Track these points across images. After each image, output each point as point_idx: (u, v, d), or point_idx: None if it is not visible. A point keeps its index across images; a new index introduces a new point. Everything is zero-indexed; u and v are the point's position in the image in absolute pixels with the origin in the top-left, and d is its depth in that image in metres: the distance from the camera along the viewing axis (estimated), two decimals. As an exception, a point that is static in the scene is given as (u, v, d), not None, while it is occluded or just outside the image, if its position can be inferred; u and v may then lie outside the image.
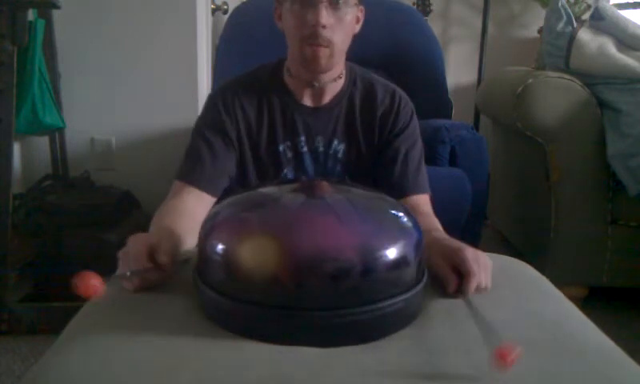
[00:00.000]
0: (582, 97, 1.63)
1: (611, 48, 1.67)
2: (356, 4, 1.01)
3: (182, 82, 1.94)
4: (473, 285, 0.73)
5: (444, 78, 1.82)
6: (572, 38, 1.71)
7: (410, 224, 0.71)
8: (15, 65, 1.51)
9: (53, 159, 1.91)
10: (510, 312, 0.71)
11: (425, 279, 0.71)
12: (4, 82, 1.49)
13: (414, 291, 0.67)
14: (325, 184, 0.71)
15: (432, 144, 1.52)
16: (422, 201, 1.06)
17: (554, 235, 1.69)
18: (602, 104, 1.63)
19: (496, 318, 0.69)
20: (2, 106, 1.49)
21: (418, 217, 0.95)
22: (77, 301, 0.74)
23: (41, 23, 1.71)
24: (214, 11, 2.14)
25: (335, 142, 1.09)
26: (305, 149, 1.09)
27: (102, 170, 1.94)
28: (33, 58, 1.69)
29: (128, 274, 0.70)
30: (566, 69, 1.72)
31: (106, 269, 0.73)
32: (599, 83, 1.65)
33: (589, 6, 2.28)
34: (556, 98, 1.62)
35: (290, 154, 1.08)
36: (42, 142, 1.90)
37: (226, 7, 2.18)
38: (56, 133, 1.89)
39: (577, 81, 1.63)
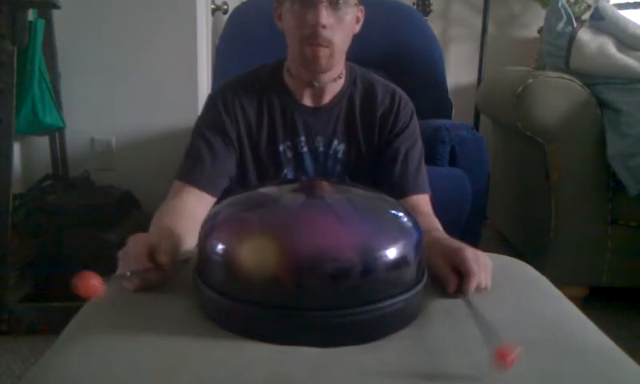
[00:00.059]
0: (582, 97, 1.63)
1: (611, 48, 1.67)
2: (356, 4, 1.01)
3: (181, 82, 1.94)
4: (473, 285, 0.73)
5: (444, 78, 1.82)
6: (572, 38, 1.71)
7: (409, 224, 0.71)
8: (15, 65, 1.51)
9: (53, 159, 1.91)
10: (510, 312, 0.71)
11: (425, 279, 0.71)
12: (4, 81, 1.49)
13: (413, 291, 0.67)
14: (325, 184, 0.71)
15: (432, 144, 1.52)
16: (422, 201, 1.06)
17: (554, 235, 1.69)
18: (602, 104, 1.63)
19: (496, 317, 0.69)
20: (2, 106, 1.49)
21: (417, 217, 0.95)
22: (77, 301, 0.74)
23: (41, 23, 1.71)
24: (214, 11, 2.14)
25: (335, 142, 1.09)
26: (305, 149, 1.09)
27: (102, 169, 1.94)
28: (33, 58, 1.69)
29: (128, 273, 0.70)
30: (566, 69, 1.72)
31: (106, 269, 0.73)
32: (599, 83, 1.65)
33: (589, 6, 2.28)
34: (556, 98, 1.62)
35: (289, 154, 1.08)
36: (42, 142, 1.90)
37: (225, 7, 2.18)
38: (56, 133, 1.89)
39: (577, 81, 1.63)
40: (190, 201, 0.98)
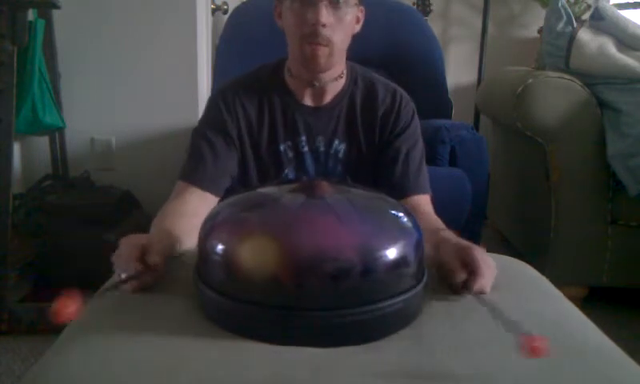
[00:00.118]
0: (582, 97, 1.63)
1: (611, 48, 1.67)
2: (356, 4, 1.01)
3: (181, 82, 1.94)
4: (480, 284, 0.73)
5: (444, 78, 1.82)
6: (572, 37, 1.71)
7: (410, 224, 0.71)
8: (15, 65, 1.51)
9: (53, 159, 1.91)
10: (510, 312, 0.71)
11: (425, 279, 0.71)
12: (4, 81, 1.49)
13: (413, 291, 0.67)
14: (325, 184, 0.71)
15: (432, 144, 1.52)
16: (423, 201, 1.06)
17: (554, 235, 1.69)
18: (602, 104, 1.63)
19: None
20: (2, 106, 1.49)
21: (419, 217, 0.95)
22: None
23: (41, 23, 1.71)
24: (214, 11, 2.14)
25: (336, 142, 1.09)
26: (306, 149, 1.09)
27: (102, 169, 1.95)
28: (33, 58, 1.69)
29: (123, 276, 0.70)
30: (566, 69, 1.72)
31: (106, 269, 0.73)
32: (599, 83, 1.65)
33: (589, 6, 2.28)
34: (556, 98, 1.62)
35: (290, 154, 1.08)
36: (42, 142, 1.90)
37: (225, 7, 2.18)
38: (56, 133, 1.90)
39: (577, 81, 1.63)
40: (193, 201, 0.98)
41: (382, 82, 1.12)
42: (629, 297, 1.76)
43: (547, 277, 0.87)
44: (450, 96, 1.82)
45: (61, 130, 1.89)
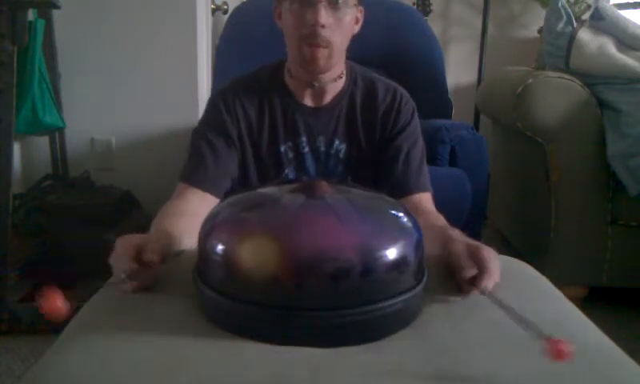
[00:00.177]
0: (582, 97, 1.63)
1: (611, 48, 1.67)
2: (355, 5, 1.01)
3: (182, 82, 1.94)
4: (488, 282, 0.72)
5: (444, 78, 1.82)
6: (572, 38, 1.71)
7: (410, 224, 0.71)
8: (15, 65, 1.51)
9: (53, 159, 1.91)
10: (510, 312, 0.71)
11: (425, 279, 0.71)
12: (4, 81, 1.49)
13: (413, 291, 0.67)
14: (324, 184, 0.71)
15: (432, 144, 1.52)
16: (425, 199, 1.06)
17: (554, 235, 1.69)
18: (602, 104, 1.63)
19: (496, 318, 0.69)
20: (2, 106, 1.49)
21: (422, 215, 0.95)
22: (76, 301, 0.74)
23: (41, 23, 1.71)
24: (214, 11, 2.14)
25: (336, 142, 1.09)
26: (306, 149, 1.09)
27: (102, 169, 1.95)
28: (33, 58, 1.69)
29: (123, 276, 0.70)
30: (566, 69, 1.72)
31: (106, 269, 0.73)
32: (599, 83, 1.65)
33: (589, 6, 2.29)
34: (556, 98, 1.62)
35: (291, 155, 1.08)
36: (42, 142, 1.90)
37: (225, 7, 2.18)
38: (56, 133, 1.90)
39: (577, 81, 1.63)
40: (194, 202, 0.98)
41: (382, 81, 1.12)
42: (629, 297, 1.76)
43: (547, 277, 0.87)
44: (450, 96, 1.82)
45: (61, 129, 1.89)
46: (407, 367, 0.59)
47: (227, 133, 1.05)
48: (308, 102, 1.08)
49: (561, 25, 1.76)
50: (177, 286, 0.74)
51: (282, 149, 1.08)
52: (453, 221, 0.93)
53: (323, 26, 0.95)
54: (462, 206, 1.44)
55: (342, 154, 1.10)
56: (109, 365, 0.58)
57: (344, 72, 1.08)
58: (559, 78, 1.64)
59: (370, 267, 0.63)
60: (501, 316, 0.69)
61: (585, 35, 1.70)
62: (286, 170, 1.09)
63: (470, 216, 1.45)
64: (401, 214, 0.72)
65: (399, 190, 1.04)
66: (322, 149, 1.09)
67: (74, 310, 0.67)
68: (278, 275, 0.61)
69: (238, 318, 0.64)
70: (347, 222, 0.66)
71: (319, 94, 1.08)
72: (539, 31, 2.49)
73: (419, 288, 0.69)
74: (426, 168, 1.10)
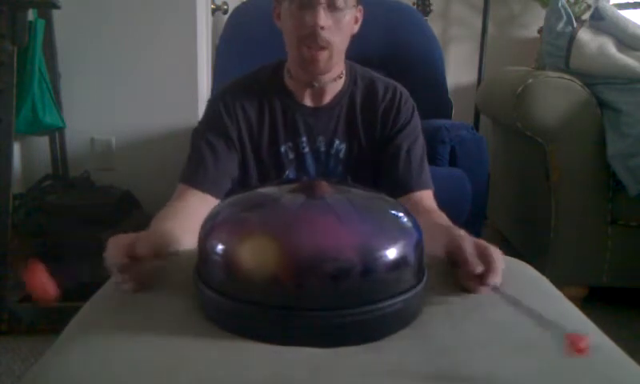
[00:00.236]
0: (582, 97, 1.63)
1: (611, 48, 1.67)
2: (355, 5, 1.01)
3: (182, 82, 1.94)
4: (495, 279, 0.72)
5: (444, 78, 1.82)
6: (572, 38, 1.71)
7: (410, 224, 0.71)
8: (15, 65, 1.51)
9: (53, 159, 1.91)
10: (510, 312, 0.71)
11: (425, 279, 0.71)
12: (4, 81, 1.49)
13: (413, 291, 0.67)
14: (324, 184, 0.71)
15: (432, 144, 1.52)
16: (426, 196, 1.06)
17: (554, 235, 1.69)
18: (602, 104, 1.63)
19: (496, 318, 0.69)
20: (2, 106, 1.49)
21: (424, 213, 0.95)
22: (77, 301, 0.74)
23: (41, 23, 1.71)
24: (214, 11, 2.14)
25: (337, 142, 1.09)
26: (306, 149, 1.09)
27: (102, 169, 1.95)
28: (33, 58, 1.69)
29: (115, 271, 0.69)
30: (566, 69, 1.72)
31: (106, 269, 0.73)
32: (599, 83, 1.65)
33: (589, 6, 2.29)
34: (556, 98, 1.62)
35: (291, 155, 1.08)
36: (42, 142, 1.90)
37: (225, 7, 2.18)
38: (56, 133, 1.90)
39: (577, 81, 1.63)
40: (194, 202, 0.97)
41: (382, 80, 1.12)
42: (629, 297, 1.76)
43: (547, 277, 0.87)
44: (450, 96, 1.82)
45: (61, 129, 1.89)
46: (407, 367, 0.59)
47: (227, 134, 1.05)
48: (308, 102, 1.08)
49: (561, 25, 1.76)
50: (177, 286, 0.74)
51: (283, 149, 1.08)
52: (453, 221, 0.93)
53: (323, 28, 0.95)
54: (462, 206, 1.44)
55: (342, 154, 1.10)
56: (109, 365, 0.58)
57: (343, 72, 1.08)
58: (559, 77, 1.64)
59: (369, 267, 0.63)
60: (501, 316, 0.69)
61: (585, 35, 1.70)
62: (287, 171, 1.09)
63: (470, 216, 1.45)
64: (401, 214, 0.72)
65: (401, 188, 1.04)
66: (322, 149, 1.09)
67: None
68: (278, 275, 0.61)
69: (238, 318, 0.64)
70: (347, 222, 0.66)
71: (319, 94, 1.08)
72: (539, 31, 2.49)
73: (419, 288, 0.69)
74: (427, 165, 1.10)
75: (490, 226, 2.32)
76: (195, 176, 1.01)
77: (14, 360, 1.39)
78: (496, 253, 0.73)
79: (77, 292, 0.83)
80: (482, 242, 0.76)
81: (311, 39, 0.97)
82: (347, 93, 1.09)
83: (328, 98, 1.08)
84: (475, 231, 1.55)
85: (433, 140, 1.53)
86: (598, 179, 1.65)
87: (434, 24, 2.17)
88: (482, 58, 2.53)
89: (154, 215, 0.93)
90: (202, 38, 1.97)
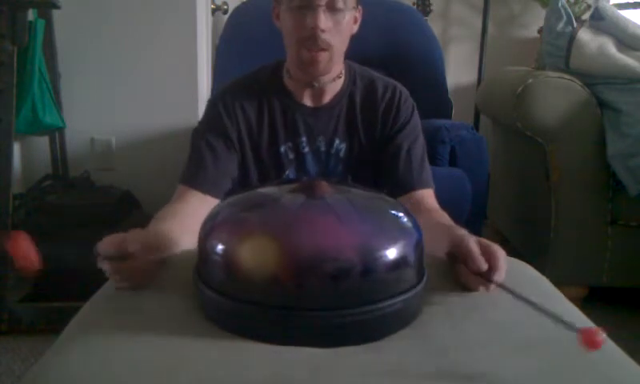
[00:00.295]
0: (582, 97, 1.63)
1: (611, 48, 1.67)
2: (354, 6, 1.01)
3: (181, 82, 1.94)
4: (498, 277, 0.72)
5: (444, 78, 1.82)
6: (572, 38, 1.71)
7: (410, 224, 0.71)
8: (15, 65, 1.51)
9: (53, 159, 1.91)
10: (510, 312, 0.71)
11: (425, 279, 0.71)
12: (4, 81, 1.49)
13: (413, 291, 0.67)
14: (324, 184, 0.71)
15: (432, 144, 1.52)
16: (427, 195, 1.06)
17: (554, 235, 1.69)
18: (602, 104, 1.63)
19: (496, 318, 0.69)
20: (2, 106, 1.49)
21: (425, 212, 0.95)
22: (77, 301, 0.74)
23: (41, 23, 1.71)
24: (214, 11, 2.14)
25: (337, 142, 1.09)
26: (306, 149, 1.09)
27: (102, 169, 1.95)
28: (33, 58, 1.69)
29: (105, 268, 0.69)
30: (566, 69, 1.72)
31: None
32: (599, 83, 1.65)
33: (589, 6, 2.29)
34: (556, 98, 1.62)
35: (291, 155, 1.08)
36: (42, 142, 1.90)
37: (225, 7, 2.18)
38: (56, 133, 1.90)
39: (577, 81, 1.63)
40: (193, 203, 0.97)
41: (381, 79, 1.12)
42: (629, 297, 1.76)
43: (547, 277, 0.87)
44: (450, 96, 1.82)
45: (61, 129, 1.88)
46: (407, 367, 0.59)
47: (227, 135, 1.05)
48: (307, 102, 1.08)
49: (561, 25, 1.76)
50: (177, 286, 0.74)
51: (282, 149, 1.08)
52: (453, 221, 0.93)
53: (323, 31, 0.95)
54: (462, 206, 1.44)
55: (342, 154, 1.10)
56: (109, 365, 0.58)
57: (343, 71, 1.08)
58: (559, 77, 1.64)
59: (369, 267, 0.63)
60: (501, 316, 0.69)
61: (585, 35, 1.70)
62: (287, 171, 1.09)
63: (470, 216, 1.45)
64: (401, 214, 0.72)
65: (401, 187, 1.04)
66: (323, 149, 1.09)
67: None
68: (278, 275, 0.61)
69: (238, 317, 0.64)
70: (347, 222, 0.66)
71: (318, 94, 1.08)
72: (539, 31, 2.49)
73: (419, 288, 0.69)
74: (427, 164, 1.10)
75: (490, 226, 2.32)
76: (195, 177, 1.01)
77: (14, 360, 1.40)
78: (499, 251, 0.74)
79: (77, 291, 0.83)
80: (485, 240, 0.76)
81: (311, 41, 0.97)
82: (347, 92, 1.09)
83: (327, 97, 1.08)
84: (475, 231, 1.54)
85: (433, 140, 1.53)
86: (598, 179, 1.65)
87: (434, 24, 2.17)
88: (482, 58, 2.53)
89: (153, 215, 0.93)
90: (202, 38, 1.97)
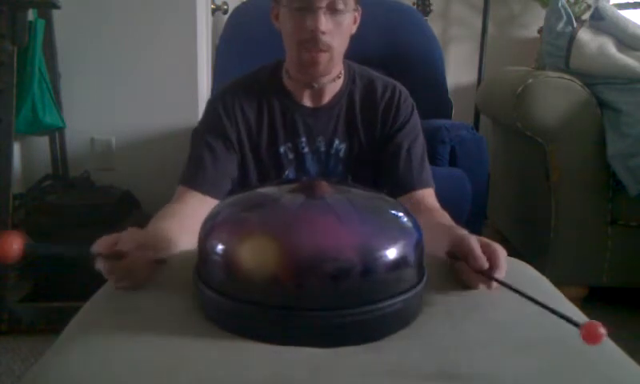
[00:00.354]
0: (582, 97, 1.63)
1: (611, 48, 1.67)
2: (354, 8, 1.01)
3: (181, 82, 1.94)
4: (499, 275, 0.72)
5: (444, 78, 1.82)
6: (572, 38, 1.71)
7: (410, 224, 0.71)
8: (15, 65, 1.51)
9: (53, 159, 1.91)
10: (510, 312, 0.71)
11: (425, 279, 0.71)
12: (4, 81, 1.49)
13: (413, 291, 0.67)
14: (324, 184, 0.71)
15: (432, 144, 1.52)
16: (428, 195, 1.06)
17: (554, 235, 1.69)
18: (602, 104, 1.63)
19: (496, 318, 0.69)
20: (2, 106, 1.49)
21: (426, 212, 0.95)
22: (77, 301, 0.74)
23: (41, 23, 1.71)
24: (214, 11, 2.14)
25: (336, 142, 1.09)
26: (306, 149, 1.09)
27: (102, 169, 1.95)
28: (33, 58, 1.69)
29: (100, 266, 0.69)
30: (566, 69, 1.72)
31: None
32: (599, 83, 1.65)
33: (589, 6, 2.29)
34: (556, 98, 1.62)
35: (291, 156, 1.08)
36: (42, 142, 1.90)
37: (225, 7, 2.18)
38: (56, 133, 1.90)
39: (577, 81, 1.63)
40: (193, 204, 0.97)
41: (381, 79, 1.12)
42: (629, 297, 1.76)
43: (547, 277, 0.87)
44: (450, 96, 1.82)
45: (61, 129, 1.88)
46: (407, 367, 0.59)
47: (226, 135, 1.05)
48: (307, 102, 1.08)
49: (561, 25, 1.76)
50: (177, 285, 0.74)
51: (282, 150, 1.08)
52: (453, 221, 0.93)
53: (324, 33, 0.95)
54: (462, 206, 1.44)
55: (342, 154, 1.10)
56: (109, 365, 0.58)
57: (342, 71, 1.08)
58: (559, 78, 1.64)
59: (369, 267, 0.63)
60: (501, 316, 0.69)
61: (585, 35, 1.70)
62: (287, 171, 1.09)
63: (470, 216, 1.45)
64: (401, 214, 0.72)
65: (402, 187, 1.04)
66: (322, 149, 1.09)
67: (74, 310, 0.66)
68: (278, 275, 0.61)
69: (238, 318, 0.64)
70: (347, 222, 0.66)
71: (318, 94, 1.08)
72: (539, 31, 2.49)
73: (419, 288, 0.69)
74: (427, 164, 1.10)
75: (490, 225, 2.32)
76: (194, 178, 1.01)
77: (14, 360, 1.40)
78: (500, 249, 0.74)
79: (77, 291, 0.83)
80: (486, 239, 0.77)
81: (311, 43, 0.97)
82: (346, 92, 1.09)
83: (327, 98, 1.08)
84: (475, 231, 1.54)
85: (433, 140, 1.53)
86: (598, 179, 1.65)
87: (434, 24, 2.17)
88: (482, 58, 2.53)
89: (153, 215, 0.93)
90: (202, 38, 1.97)
